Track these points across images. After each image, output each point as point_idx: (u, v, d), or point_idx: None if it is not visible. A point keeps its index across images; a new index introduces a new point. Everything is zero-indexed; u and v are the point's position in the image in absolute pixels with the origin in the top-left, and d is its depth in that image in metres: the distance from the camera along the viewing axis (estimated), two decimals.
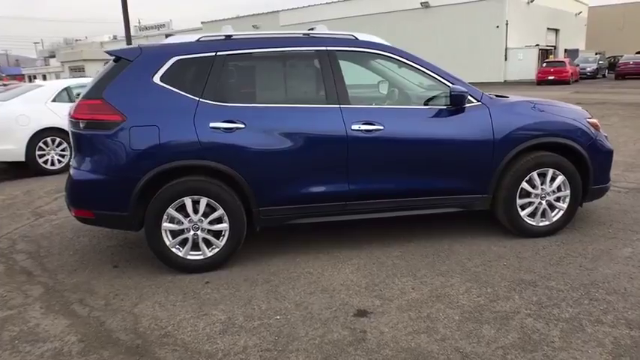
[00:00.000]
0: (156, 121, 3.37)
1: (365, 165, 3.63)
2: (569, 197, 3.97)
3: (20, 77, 57.50)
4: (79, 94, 4.06)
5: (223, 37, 3.68)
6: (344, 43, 3.75)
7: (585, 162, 3.94)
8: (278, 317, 2.93)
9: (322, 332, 2.74)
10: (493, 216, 4.07)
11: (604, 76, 32.67)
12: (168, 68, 3.48)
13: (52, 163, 7.65)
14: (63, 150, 7.73)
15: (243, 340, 2.70)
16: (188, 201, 3.46)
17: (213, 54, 3.54)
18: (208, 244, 3.57)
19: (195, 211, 3.49)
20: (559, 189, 3.96)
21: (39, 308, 3.20)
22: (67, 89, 7.98)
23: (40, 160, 7.55)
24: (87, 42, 61.89)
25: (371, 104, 3.83)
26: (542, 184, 3.91)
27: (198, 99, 3.46)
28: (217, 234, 3.56)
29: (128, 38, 14.49)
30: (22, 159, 7.46)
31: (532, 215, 3.97)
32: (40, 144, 7.51)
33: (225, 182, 3.50)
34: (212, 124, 3.41)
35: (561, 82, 26.02)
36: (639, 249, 3.71)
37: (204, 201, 3.47)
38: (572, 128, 3.92)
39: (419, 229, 4.25)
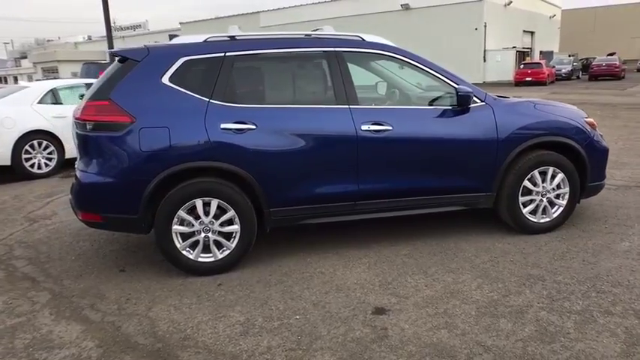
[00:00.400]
0: (166, 122, 3.35)
1: (374, 165, 3.68)
2: (568, 194, 4.09)
3: None
4: (83, 96, 3.97)
5: (230, 38, 3.67)
6: (351, 44, 3.79)
7: (583, 160, 4.07)
8: (297, 317, 2.94)
9: (344, 330, 2.77)
10: (495, 214, 4.16)
11: (578, 77, 33.56)
12: (177, 69, 3.45)
13: (39, 167, 7.47)
14: (50, 153, 7.56)
15: (266, 341, 2.71)
16: (199, 203, 3.44)
17: (222, 54, 3.53)
18: (219, 246, 3.56)
19: (206, 213, 3.47)
20: (559, 186, 4.07)
21: (49, 314, 3.14)
22: (54, 91, 7.81)
23: (27, 164, 7.36)
24: (60, 42, 60.48)
25: (377, 105, 3.88)
26: (542, 182, 4.02)
27: (208, 100, 3.44)
28: (228, 236, 3.55)
29: (110, 39, 14.25)
30: (8, 163, 7.27)
31: (533, 212, 4.08)
32: (27, 147, 7.33)
33: (236, 183, 3.49)
34: (223, 125, 3.40)
35: (538, 83, 26.65)
36: (636, 243, 3.84)
37: (215, 202, 3.45)
38: (572, 127, 4.04)
39: (423, 227, 4.32)
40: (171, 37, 3.89)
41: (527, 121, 3.93)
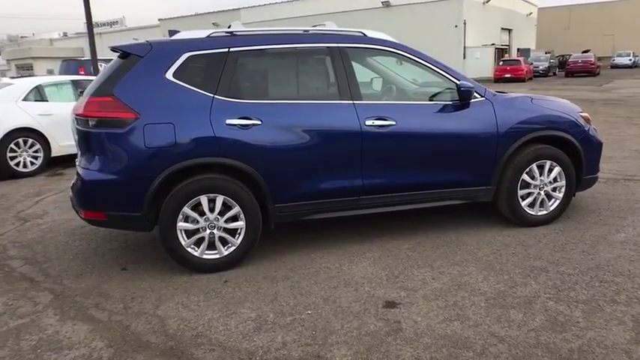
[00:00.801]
0: (171, 118, 3.30)
1: (378, 160, 3.69)
2: (564, 187, 4.18)
3: None
4: (83, 92, 3.84)
5: (233, 34, 3.64)
6: (354, 39, 3.80)
7: (579, 154, 4.16)
8: (309, 312, 2.94)
9: (357, 324, 2.78)
10: (494, 207, 4.23)
11: (555, 74, 34.28)
12: (181, 64, 3.41)
13: (25, 165, 7.29)
14: (36, 151, 7.38)
15: (280, 337, 2.70)
16: (204, 199, 3.40)
17: (226, 50, 3.50)
18: (224, 242, 3.53)
19: (211, 210, 3.44)
20: (555, 180, 4.16)
21: (53, 315, 3.07)
22: (39, 87, 7.62)
23: (12, 163, 7.17)
24: (34, 39, 58.90)
25: (381, 100, 3.89)
26: (540, 176, 4.10)
27: (212, 95, 3.41)
28: (233, 232, 3.53)
29: (91, 36, 13.92)
30: None
31: (531, 205, 4.15)
32: (12, 145, 7.14)
33: (241, 179, 3.47)
34: (228, 121, 3.37)
35: (517, 79, 27.13)
36: (631, 234, 3.95)
37: (220, 199, 3.42)
38: (568, 121, 4.13)
39: (423, 221, 4.36)
40: (171, 32, 3.82)
41: (525, 116, 4.00)
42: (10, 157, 7.14)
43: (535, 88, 22.38)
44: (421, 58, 3.91)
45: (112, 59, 3.70)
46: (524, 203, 4.11)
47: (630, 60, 38.27)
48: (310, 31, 3.82)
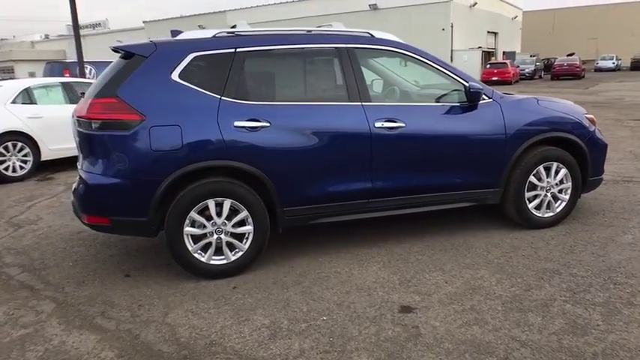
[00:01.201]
0: (178, 120, 3.21)
1: (387, 162, 3.65)
2: (570, 189, 4.18)
3: None
4: (81, 94, 3.75)
5: (240, 34, 3.57)
6: (362, 40, 3.75)
7: (585, 155, 4.16)
8: (324, 318, 2.87)
9: (375, 330, 2.72)
10: (501, 209, 4.20)
11: (540, 76, 34.71)
12: (187, 65, 3.32)
13: (14, 170, 7.09)
14: (25, 155, 7.18)
15: (297, 344, 2.63)
16: (211, 203, 3.32)
17: (233, 50, 3.42)
18: (231, 247, 3.44)
19: (218, 214, 3.35)
20: (561, 182, 4.15)
21: (57, 324, 2.95)
22: (28, 90, 7.43)
23: (1, 167, 6.97)
24: (15, 41, 57.91)
25: (388, 102, 3.85)
26: (547, 177, 4.09)
27: (220, 97, 3.33)
28: (240, 237, 3.45)
29: (77, 37, 13.67)
30: None
31: (538, 207, 4.14)
32: (0, 149, 6.94)
33: (249, 183, 3.39)
34: (236, 123, 3.29)
35: (504, 82, 27.38)
36: (638, 235, 3.96)
37: (227, 203, 3.34)
38: (574, 123, 4.13)
39: (429, 224, 4.32)
40: (174, 32, 3.73)
41: (532, 118, 3.99)
42: None
43: (522, 90, 22.59)
44: (429, 59, 3.87)
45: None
46: (531, 205, 4.09)
47: (614, 63, 38.93)
48: (318, 32, 3.76)
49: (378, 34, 3.83)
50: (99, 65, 17.37)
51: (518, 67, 31.32)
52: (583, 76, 31.26)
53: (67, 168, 7.79)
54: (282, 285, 3.33)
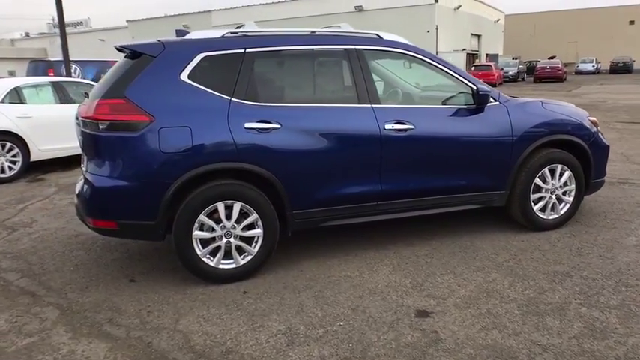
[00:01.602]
0: (187, 121, 3.14)
1: (396, 164, 3.62)
2: (574, 191, 4.21)
3: None
4: (85, 94, 3.62)
5: (248, 34, 3.50)
6: (370, 42, 3.72)
7: (588, 157, 4.19)
8: (341, 323, 2.83)
9: (394, 335, 2.69)
10: (506, 211, 4.21)
11: (523, 79, 35.22)
12: (196, 65, 3.25)
13: (3, 171, 6.88)
14: (14, 156, 6.99)
15: (316, 350, 2.58)
16: (221, 206, 3.25)
17: (242, 51, 3.36)
18: (240, 251, 3.38)
19: (227, 217, 3.29)
20: (565, 184, 4.18)
21: (64, 332, 2.85)
22: (17, 89, 7.23)
23: None
24: None
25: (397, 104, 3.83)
26: (552, 180, 4.11)
27: (229, 98, 3.26)
28: (249, 240, 3.38)
29: (63, 36, 13.35)
30: None
31: (542, 209, 4.16)
32: None
33: (258, 185, 3.33)
34: (247, 125, 3.23)
35: (488, 84, 27.60)
36: None
37: (237, 206, 3.28)
38: (578, 125, 4.16)
39: (433, 227, 4.30)
40: (179, 32, 3.64)
41: (538, 120, 4.01)
42: None
43: (506, 93, 22.78)
44: (436, 61, 3.87)
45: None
46: (536, 207, 4.11)
47: (593, 66, 39.72)
48: (327, 33, 3.72)
49: (385, 36, 3.80)
50: (84, 64, 17.09)
51: (502, 69, 31.72)
52: (565, 79, 31.82)
53: (57, 169, 7.61)
54: (293, 289, 3.28)
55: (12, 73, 29.96)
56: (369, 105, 3.55)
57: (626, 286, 3.17)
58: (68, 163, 7.71)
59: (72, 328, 2.89)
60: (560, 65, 31.57)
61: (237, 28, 3.79)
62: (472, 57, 35.12)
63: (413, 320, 2.84)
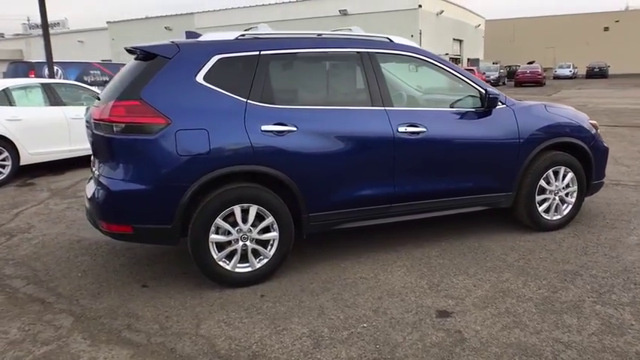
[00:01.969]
0: (204, 124, 3.11)
1: (409, 167, 3.66)
2: (576, 192, 4.31)
3: None
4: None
5: (260, 36, 3.50)
6: (382, 45, 3.75)
7: (589, 159, 4.30)
8: (364, 325, 2.84)
9: (419, 336, 2.71)
10: (512, 212, 4.28)
11: (504, 83, 35.80)
12: (212, 67, 3.23)
13: None
14: (3, 160, 6.81)
15: (344, 352, 2.58)
16: (237, 209, 3.23)
17: (257, 53, 3.35)
18: (256, 254, 3.36)
19: (244, 221, 3.27)
20: (568, 185, 4.27)
21: (81, 339, 2.79)
22: (6, 91, 7.06)
23: None
24: None
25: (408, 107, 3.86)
26: (555, 181, 4.20)
27: (246, 100, 3.25)
28: (264, 244, 3.37)
29: (46, 36, 13.09)
30: None
31: (547, 210, 4.24)
32: None
33: (274, 188, 3.32)
34: (264, 127, 3.23)
35: None
36: None
37: (254, 209, 3.26)
38: (580, 128, 4.27)
39: (441, 228, 4.34)
40: (189, 34, 3.61)
41: (543, 123, 4.09)
42: None
43: None
44: (445, 65, 3.92)
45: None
46: (540, 209, 4.19)
47: (570, 71, 40.65)
48: (339, 36, 3.74)
49: (396, 39, 3.84)
50: (66, 66, 16.74)
51: (484, 73, 32.22)
52: (544, 84, 32.49)
53: (47, 173, 7.45)
54: (310, 292, 3.28)
55: None
56: (382, 108, 3.58)
57: (635, 283, 3.25)
58: (56, 166, 7.55)
59: (89, 335, 2.83)
60: (540, 70, 32.24)
61: (246, 30, 3.78)
62: (455, 61, 35.62)
63: (435, 321, 2.87)
